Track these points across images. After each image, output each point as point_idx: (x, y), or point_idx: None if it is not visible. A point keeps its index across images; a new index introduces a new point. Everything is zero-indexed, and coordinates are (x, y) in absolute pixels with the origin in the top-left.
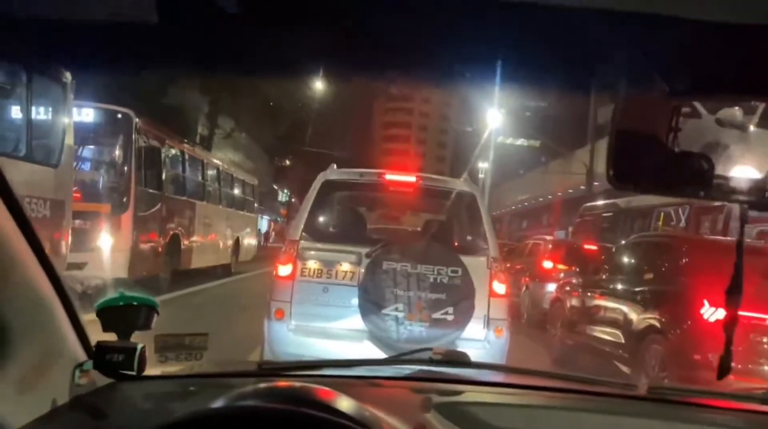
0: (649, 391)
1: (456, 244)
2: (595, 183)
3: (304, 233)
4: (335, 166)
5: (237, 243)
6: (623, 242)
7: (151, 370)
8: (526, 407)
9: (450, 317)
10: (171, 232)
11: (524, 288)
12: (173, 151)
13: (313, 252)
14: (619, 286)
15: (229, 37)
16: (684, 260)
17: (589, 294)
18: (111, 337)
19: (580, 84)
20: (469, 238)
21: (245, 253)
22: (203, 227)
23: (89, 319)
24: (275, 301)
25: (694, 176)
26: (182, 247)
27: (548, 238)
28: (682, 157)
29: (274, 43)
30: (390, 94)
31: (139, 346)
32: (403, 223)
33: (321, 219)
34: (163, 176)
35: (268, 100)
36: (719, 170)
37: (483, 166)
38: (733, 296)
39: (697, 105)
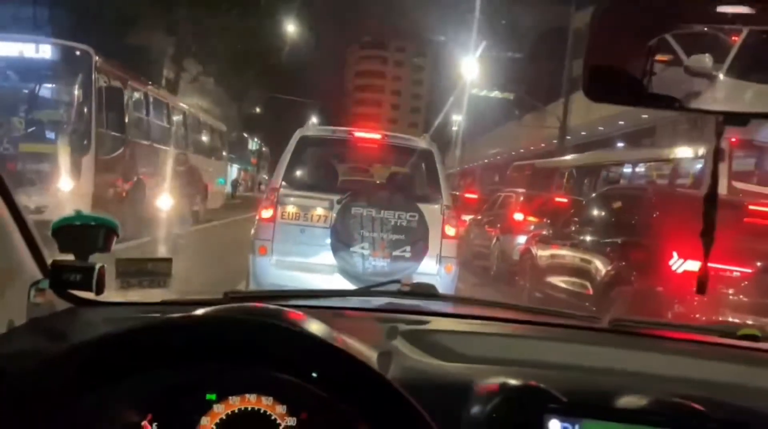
0: (610, 324)
1: (415, 193)
2: (567, 137)
3: (283, 182)
4: (311, 122)
5: (205, 190)
6: (593, 195)
7: (112, 297)
8: (492, 336)
9: (407, 254)
10: (135, 177)
11: (494, 240)
12: (137, 94)
13: (291, 198)
14: (589, 238)
15: None
16: (654, 212)
17: (558, 245)
18: (69, 258)
19: (553, 33)
20: (426, 188)
21: (213, 201)
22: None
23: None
24: (259, 239)
25: (670, 88)
26: (147, 192)
27: (519, 190)
28: (658, 68)
29: None
30: (363, 42)
31: (98, 266)
32: (371, 175)
33: (298, 170)
34: (126, 119)
35: (237, 43)
36: (694, 82)
37: (457, 118)
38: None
39: (675, 18)
